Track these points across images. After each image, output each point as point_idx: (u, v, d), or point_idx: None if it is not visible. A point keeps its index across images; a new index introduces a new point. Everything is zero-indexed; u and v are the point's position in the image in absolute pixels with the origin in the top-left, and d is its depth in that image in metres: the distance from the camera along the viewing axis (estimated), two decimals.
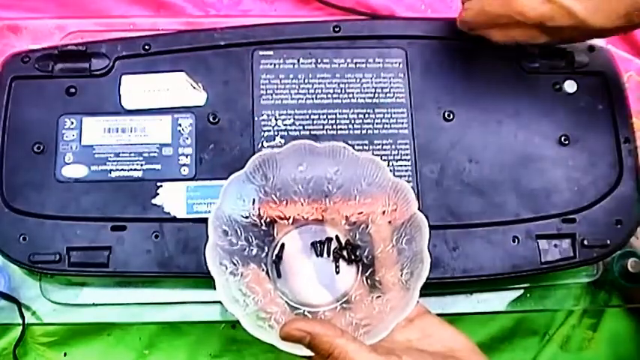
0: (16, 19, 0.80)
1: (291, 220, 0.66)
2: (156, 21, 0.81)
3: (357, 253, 0.64)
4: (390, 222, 0.63)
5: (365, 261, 0.64)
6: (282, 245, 0.65)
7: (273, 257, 0.65)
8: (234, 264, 0.61)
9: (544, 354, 0.77)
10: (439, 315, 0.73)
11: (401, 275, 0.60)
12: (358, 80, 0.74)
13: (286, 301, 0.63)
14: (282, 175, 0.63)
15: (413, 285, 0.57)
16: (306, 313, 0.62)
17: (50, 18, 0.81)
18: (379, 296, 0.61)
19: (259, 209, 0.64)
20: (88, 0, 0.85)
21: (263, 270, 0.64)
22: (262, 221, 0.65)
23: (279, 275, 0.64)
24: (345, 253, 0.65)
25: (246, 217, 0.64)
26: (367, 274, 0.63)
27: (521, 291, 0.73)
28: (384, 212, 0.63)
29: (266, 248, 0.65)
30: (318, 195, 0.65)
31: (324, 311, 0.63)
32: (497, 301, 0.73)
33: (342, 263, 0.65)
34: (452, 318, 0.75)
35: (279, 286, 0.64)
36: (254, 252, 0.64)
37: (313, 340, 0.52)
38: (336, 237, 0.65)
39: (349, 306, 0.62)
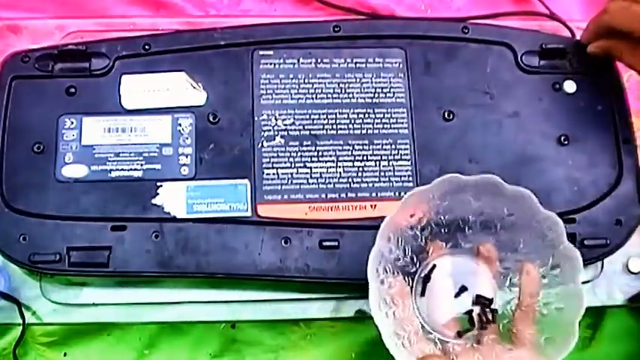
0: (16, 19, 0.80)
1: (449, 245, 0.66)
2: (156, 21, 0.81)
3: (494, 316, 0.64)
4: (544, 276, 0.62)
5: (507, 309, 0.64)
6: (434, 266, 0.65)
7: (422, 275, 0.65)
8: (386, 271, 0.61)
9: None
10: None
11: (540, 337, 0.60)
12: (358, 80, 0.74)
13: (421, 322, 0.63)
14: (458, 200, 0.63)
15: (552, 353, 0.57)
16: (437, 339, 0.62)
17: (50, 18, 0.80)
18: (511, 349, 0.60)
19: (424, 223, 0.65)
20: (88, 0, 0.85)
21: (408, 285, 0.64)
22: (422, 236, 0.65)
23: (422, 294, 0.65)
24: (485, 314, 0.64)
25: (411, 229, 0.64)
26: (504, 321, 0.63)
27: None
28: (541, 269, 0.62)
29: (417, 264, 0.65)
30: (484, 230, 0.65)
31: (455, 344, 0.63)
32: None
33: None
34: None
35: (418, 305, 0.64)
36: (406, 264, 0.65)
37: None
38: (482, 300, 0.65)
39: (479, 347, 0.62)
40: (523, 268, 0.61)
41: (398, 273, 0.63)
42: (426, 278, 0.65)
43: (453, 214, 0.64)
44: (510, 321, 0.62)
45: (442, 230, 0.65)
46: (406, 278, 0.64)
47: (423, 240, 0.65)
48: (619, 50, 0.69)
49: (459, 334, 0.63)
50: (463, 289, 0.64)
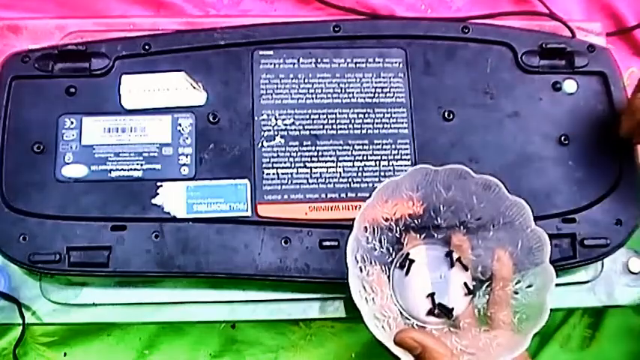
0: (16, 19, 0.79)
1: (423, 236, 0.67)
2: (156, 21, 0.81)
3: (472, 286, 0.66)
4: (515, 264, 0.63)
5: (480, 294, 0.65)
6: (407, 255, 0.67)
7: (397, 264, 0.66)
8: (364, 260, 0.63)
9: (544, 353, 0.77)
10: None
11: (514, 317, 0.61)
12: (358, 80, 0.74)
13: (399, 309, 0.65)
14: (430, 190, 0.65)
15: (526, 330, 0.58)
16: (415, 325, 0.64)
17: (50, 18, 0.80)
18: (487, 330, 0.62)
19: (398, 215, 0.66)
20: (88, 0, 0.85)
21: (385, 273, 0.65)
22: (398, 228, 0.66)
23: (397, 283, 0.66)
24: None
25: (386, 220, 0.65)
26: (479, 306, 0.64)
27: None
28: (512, 253, 0.63)
29: (393, 254, 0.67)
30: (455, 220, 0.66)
31: (432, 329, 0.64)
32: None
33: (456, 285, 0.66)
34: None
35: (396, 293, 0.65)
36: (382, 254, 0.66)
37: (423, 353, 0.56)
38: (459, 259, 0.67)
39: (456, 331, 0.63)
40: (494, 254, 0.64)
41: (375, 262, 0.64)
42: (401, 267, 0.66)
43: (426, 205, 0.66)
44: (485, 305, 0.63)
45: (415, 221, 0.67)
46: (383, 267, 0.65)
47: (398, 231, 0.66)
48: None
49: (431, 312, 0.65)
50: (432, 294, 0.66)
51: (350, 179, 0.71)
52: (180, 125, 0.71)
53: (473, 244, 0.66)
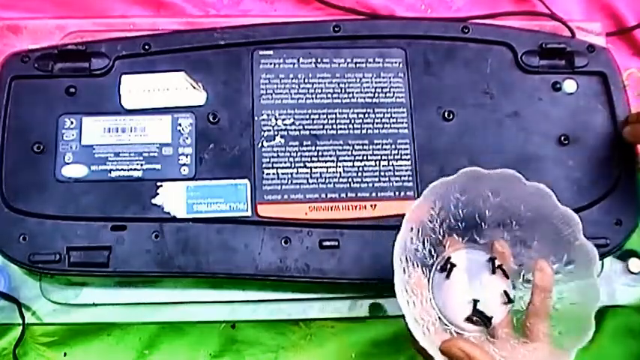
0: (16, 19, 0.80)
1: (465, 239, 0.66)
2: (156, 21, 0.81)
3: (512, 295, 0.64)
4: (557, 272, 0.61)
5: (521, 304, 0.64)
6: (449, 258, 0.65)
7: (438, 268, 0.65)
8: (407, 260, 0.61)
9: None
10: None
11: (554, 330, 0.60)
12: (358, 80, 0.74)
13: (438, 315, 0.63)
14: (478, 194, 0.63)
15: (568, 345, 0.57)
16: (453, 331, 0.63)
17: (50, 18, 0.80)
18: (526, 342, 0.60)
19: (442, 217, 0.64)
20: (88, 0, 0.85)
21: (425, 276, 0.64)
22: (441, 229, 0.65)
23: (436, 287, 0.65)
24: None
25: (430, 222, 0.64)
26: (518, 316, 0.63)
27: None
28: (555, 264, 0.62)
29: (435, 257, 0.65)
30: (500, 226, 0.65)
31: (470, 337, 0.63)
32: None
33: (495, 293, 0.64)
34: None
35: (435, 297, 0.64)
36: (424, 256, 0.64)
37: None
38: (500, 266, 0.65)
39: (494, 340, 0.62)
40: (536, 264, 0.61)
41: (417, 264, 0.63)
42: (442, 270, 0.65)
43: (471, 209, 0.64)
44: (524, 316, 0.61)
45: (459, 224, 0.65)
46: (424, 270, 0.64)
47: (441, 233, 0.65)
48: None
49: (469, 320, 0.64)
50: (475, 301, 0.64)
51: (350, 179, 0.71)
52: (180, 125, 0.71)
53: (515, 252, 0.65)
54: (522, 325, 0.61)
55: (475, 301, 0.63)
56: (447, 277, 0.64)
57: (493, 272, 0.65)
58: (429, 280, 0.64)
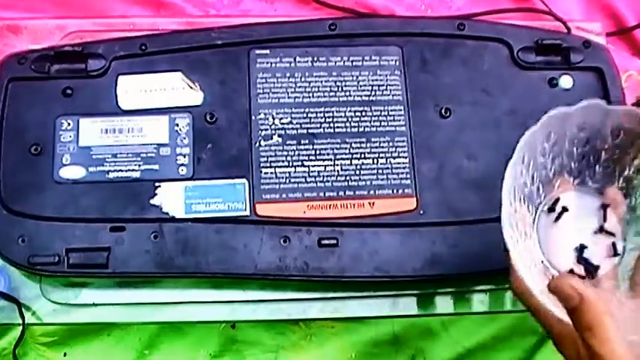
0: (16, 19, 0.80)
1: (576, 181, 0.60)
2: (155, 21, 0.81)
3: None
4: None
5: (630, 258, 0.58)
6: (558, 199, 0.60)
7: (545, 208, 0.60)
8: (514, 194, 0.56)
9: (544, 354, 0.76)
10: (439, 315, 0.74)
11: None
12: (355, 78, 0.74)
13: (541, 257, 0.59)
14: (597, 132, 0.57)
15: None
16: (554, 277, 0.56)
17: (50, 18, 0.81)
18: (634, 297, 0.54)
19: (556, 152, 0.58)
20: (88, 0, 0.85)
21: (531, 215, 0.59)
22: (553, 167, 0.59)
23: (542, 228, 0.60)
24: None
25: (543, 156, 0.58)
26: (627, 268, 0.57)
27: None
28: None
29: (543, 196, 0.60)
30: (616, 170, 0.59)
31: None
32: (497, 301, 0.72)
33: (604, 243, 0.59)
34: (452, 318, 0.75)
35: (539, 237, 0.59)
36: (532, 193, 0.59)
37: (580, 305, 0.47)
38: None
39: (599, 291, 0.56)
40: None
41: (524, 201, 0.58)
42: (549, 211, 0.59)
43: (588, 148, 0.58)
44: (630, 271, 0.56)
45: (572, 164, 0.59)
46: (529, 208, 0.59)
47: (552, 171, 0.59)
48: None
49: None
50: (582, 248, 0.59)
51: (348, 177, 0.71)
52: (177, 125, 0.71)
53: (629, 202, 0.59)
54: (631, 280, 0.56)
55: (582, 248, 0.59)
56: (556, 220, 0.59)
57: (604, 220, 0.59)
58: (534, 220, 0.59)
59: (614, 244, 0.59)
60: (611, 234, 0.59)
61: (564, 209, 0.59)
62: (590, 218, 0.60)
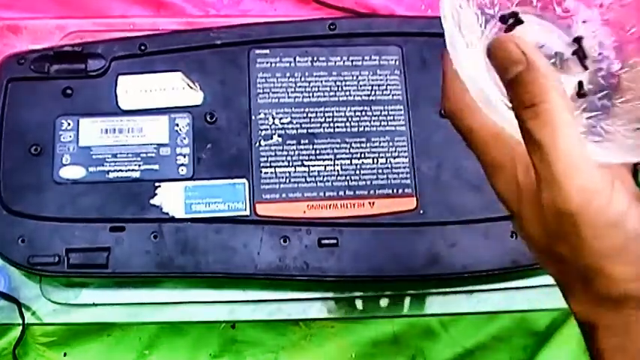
0: (16, 19, 0.80)
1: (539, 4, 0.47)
2: (156, 21, 0.81)
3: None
4: None
5: (596, 102, 0.46)
6: (516, 14, 0.46)
7: (498, 16, 0.47)
8: None
9: (544, 354, 0.76)
10: (439, 315, 0.74)
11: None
12: (355, 78, 0.74)
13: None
14: None
15: None
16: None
17: (50, 18, 0.81)
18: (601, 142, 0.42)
19: None
20: (88, 0, 0.85)
21: (480, 26, 0.46)
22: None
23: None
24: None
25: None
26: (594, 114, 0.46)
27: (521, 290, 0.72)
28: None
29: (497, 6, 0.47)
30: None
31: None
32: (497, 301, 0.72)
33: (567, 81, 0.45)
34: (452, 318, 0.75)
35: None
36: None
37: (525, 73, 0.36)
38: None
39: None
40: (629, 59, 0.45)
41: (472, 4, 0.45)
42: (502, 20, 0.46)
43: None
44: (597, 117, 0.45)
45: None
46: (479, 14, 0.46)
47: None
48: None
49: None
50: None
51: (348, 177, 0.71)
52: (177, 125, 0.71)
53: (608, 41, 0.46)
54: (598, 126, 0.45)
55: None
56: (507, 30, 0.46)
57: (574, 54, 0.46)
58: (481, 31, 0.46)
59: (580, 84, 0.46)
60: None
61: (518, 21, 0.47)
62: (553, 45, 0.47)
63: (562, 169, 0.35)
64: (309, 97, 0.73)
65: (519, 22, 0.46)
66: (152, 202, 0.69)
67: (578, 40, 0.46)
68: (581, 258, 0.36)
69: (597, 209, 0.35)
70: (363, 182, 0.70)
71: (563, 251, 0.37)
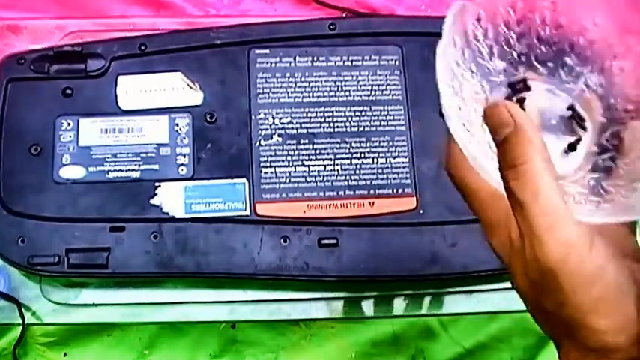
0: (16, 19, 0.80)
1: (546, 71, 0.47)
2: (156, 21, 0.81)
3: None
4: None
5: (600, 163, 0.46)
6: (525, 80, 0.47)
7: (505, 83, 0.47)
8: (463, 55, 0.46)
9: (544, 354, 0.76)
10: (439, 315, 0.74)
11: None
12: (354, 78, 0.74)
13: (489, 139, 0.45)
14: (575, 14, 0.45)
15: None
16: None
17: (50, 18, 0.81)
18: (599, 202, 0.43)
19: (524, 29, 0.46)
20: (88, 0, 0.85)
21: (483, 93, 0.46)
22: (517, 46, 0.47)
23: None
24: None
25: (507, 27, 0.46)
26: (596, 176, 0.46)
27: None
28: None
29: (501, 76, 0.47)
30: (597, 64, 0.46)
31: None
32: (497, 301, 0.72)
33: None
34: (452, 318, 0.75)
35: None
36: (488, 68, 0.46)
37: (512, 136, 0.38)
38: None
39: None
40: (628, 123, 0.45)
41: (475, 72, 0.46)
42: (510, 87, 0.47)
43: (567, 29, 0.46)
44: (600, 177, 0.45)
45: (543, 48, 0.47)
46: (483, 84, 0.46)
47: (515, 53, 0.47)
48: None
49: None
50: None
51: (348, 177, 0.71)
52: (177, 125, 0.71)
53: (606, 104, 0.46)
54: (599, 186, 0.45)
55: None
56: (515, 93, 0.47)
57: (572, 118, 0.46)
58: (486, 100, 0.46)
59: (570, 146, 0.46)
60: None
61: (527, 87, 0.47)
62: (554, 112, 0.47)
63: (542, 225, 0.36)
64: (309, 97, 0.73)
65: (527, 88, 0.47)
66: (152, 202, 0.69)
67: (571, 107, 0.47)
68: (564, 311, 0.37)
69: (575, 263, 0.36)
70: (363, 182, 0.70)
71: (548, 305, 0.38)
